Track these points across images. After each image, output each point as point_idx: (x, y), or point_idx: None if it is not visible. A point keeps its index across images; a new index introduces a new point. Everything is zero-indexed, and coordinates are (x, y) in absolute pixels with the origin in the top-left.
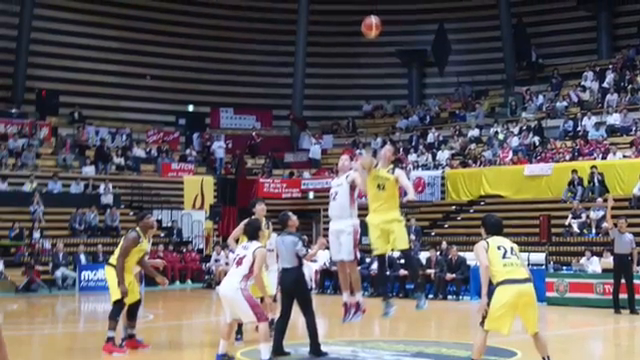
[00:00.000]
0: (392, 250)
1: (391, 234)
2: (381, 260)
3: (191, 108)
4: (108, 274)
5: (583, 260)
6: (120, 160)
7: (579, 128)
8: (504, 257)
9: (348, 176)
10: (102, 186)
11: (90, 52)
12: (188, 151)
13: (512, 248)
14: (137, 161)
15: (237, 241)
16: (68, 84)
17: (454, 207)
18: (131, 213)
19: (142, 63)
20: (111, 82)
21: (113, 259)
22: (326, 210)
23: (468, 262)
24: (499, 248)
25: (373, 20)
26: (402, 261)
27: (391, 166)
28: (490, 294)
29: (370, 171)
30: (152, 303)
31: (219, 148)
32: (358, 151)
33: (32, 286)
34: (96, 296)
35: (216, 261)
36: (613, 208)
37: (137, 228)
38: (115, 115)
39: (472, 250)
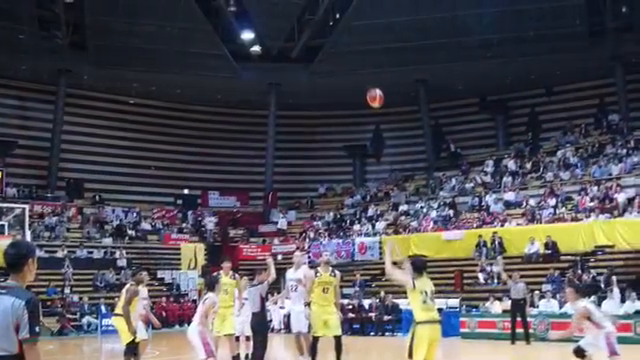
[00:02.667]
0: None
1: (329, 322)
2: (315, 340)
3: (186, 191)
4: (117, 322)
5: (488, 303)
6: (132, 232)
7: (483, 203)
8: (424, 302)
9: (305, 278)
10: (118, 252)
11: (107, 149)
12: (184, 224)
13: (432, 292)
14: (145, 233)
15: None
16: (91, 174)
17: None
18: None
19: (148, 157)
20: (124, 172)
21: (118, 309)
22: (290, 266)
23: (400, 307)
24: (421, 293)
25: (377, 93)
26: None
27: (330, 269)
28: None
29: (313, 282)
30: (157, 342)
31: (209, 222)
32: (324, 252)
33: (64, 331)
34: (114, 338)
35: None
36: (509, 263)
37: (133, 282)
38: (127, 197)
39: (404, 297)
